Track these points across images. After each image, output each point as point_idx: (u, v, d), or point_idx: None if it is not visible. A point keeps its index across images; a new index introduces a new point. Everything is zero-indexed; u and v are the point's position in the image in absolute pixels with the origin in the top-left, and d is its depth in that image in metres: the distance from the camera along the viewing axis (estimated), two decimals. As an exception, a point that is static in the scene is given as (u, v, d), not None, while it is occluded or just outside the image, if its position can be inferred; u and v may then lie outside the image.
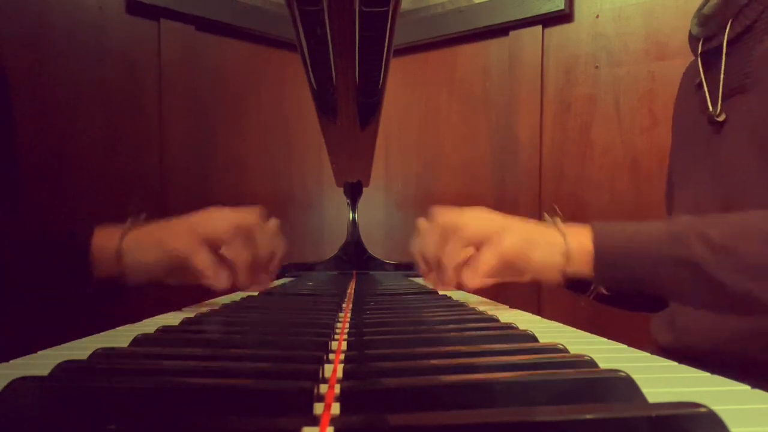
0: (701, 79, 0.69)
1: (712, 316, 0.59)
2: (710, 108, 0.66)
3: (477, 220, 0.58)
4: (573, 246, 0.55)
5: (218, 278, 0.54)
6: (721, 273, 0.49)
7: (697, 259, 0.49)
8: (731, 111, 0.64)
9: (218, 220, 0.57)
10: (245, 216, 0.59)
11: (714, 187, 0.66)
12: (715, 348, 0.59)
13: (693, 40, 0.73)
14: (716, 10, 0.66)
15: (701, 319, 0.61)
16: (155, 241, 0.54)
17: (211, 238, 0.55)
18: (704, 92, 0.68)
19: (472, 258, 0.56)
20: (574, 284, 0.59)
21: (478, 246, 0.57)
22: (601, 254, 0.54)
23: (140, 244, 0.54)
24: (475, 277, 0.55)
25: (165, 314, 0.51)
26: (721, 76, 0.65)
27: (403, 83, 1.40)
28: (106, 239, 0.54)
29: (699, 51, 0.69)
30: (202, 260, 0.53)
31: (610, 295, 0.67)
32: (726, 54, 0.64)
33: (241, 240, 0.57)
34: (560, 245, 0.55)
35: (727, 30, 0.65)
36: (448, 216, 0.60)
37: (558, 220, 0.58)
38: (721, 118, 0.64)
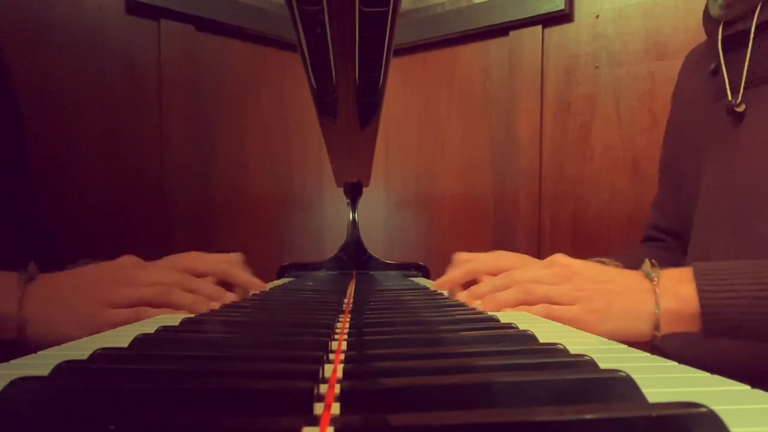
0: (719, 65, 0.64)
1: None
2: (730, 97, 0.62)
3: (547, 279, 0.51)
4: (669, 308, 0.48)
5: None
6: None
7: None
8: (754, 101, 0.60)
9: (136, 285, 0.50)
10: (161, 274, 0.53)
11: (731, 181, 0.62)
12: (725, 356, 0.55)
13: (711, 22, 0.68)
14: None
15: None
16: (70, 317, 0.46)
17: (138, 311, 0.49)
18: (722, 79, 0.63)
19: (524, 307, 0.50)
20: None
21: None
22: (710, 311, 0.47)
23: (50, 314, 0.46)
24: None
25: (165, 314, 0.51)
26: (746, 63, 0.60)
27: (403, 83, 1.40)
28: None
29: (720, 35, 0.65)
30: (126, 321, 0.46)
31: None
32: (753, 40, 0.60)
33: (174, 294, 0.50)
34: (648, 313, 0.48)
35: (756, 13, 0.60)
36: (528, 271, 0.53)
37: (655, 275, 0.50)
38: (741, 109, 0.60)
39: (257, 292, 0.61)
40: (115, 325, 0.46)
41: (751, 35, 0.60)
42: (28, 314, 0.45)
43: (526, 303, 0.50)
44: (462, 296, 0.56)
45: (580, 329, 0.47)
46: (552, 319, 0.47)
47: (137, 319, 0.47)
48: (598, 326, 0.48)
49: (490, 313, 0.47)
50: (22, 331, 0.45)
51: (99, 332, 0.45)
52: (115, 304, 0.49)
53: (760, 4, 0.60)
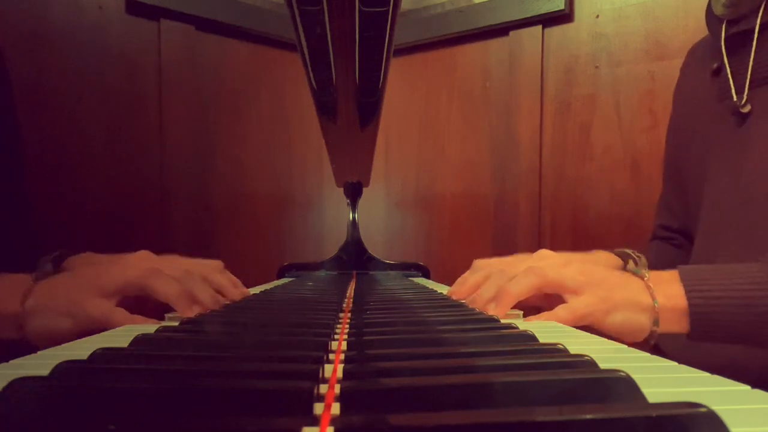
0: (722, 65, 0.64)
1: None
2: (734, 97, 0.61)
3: (553, 267, 0.51)
4: (662, 304, 0.48)
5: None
6: None
7: None
8: (759, 102, 0.59)
9: (129, 267, 0.50)
10: (165, 263, 0.52)
11: (736, 182, 0.61)
12: (727, 361, 0.55)
13: (714, 20, 0.67)
14: None
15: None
16: (64, 309, 0.47)
17: (123, 289, 0.49)
18: (726, 79, 0.63)
19: (543, 314, 0.49)
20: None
21: (548, 295, 0.51)
22: (698, 312, 0.47)
23: (45, 308, 0.47)
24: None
25: (165, 314, 0.51)
26: (750, 63, 0.60)
27: (403, 83, 1.40)
28: (5, 299, 0.46)
29: (723, 34, 0.64)
30: (120, 322, 0.46)
31: None
32: (757, 39, 0.59)
33: (159, 280, 0.49)
34: (647, 306, 0.48)
35: (760, 12, 0.59)
36: (517, 264, 0.54)
37: (644, 271, 0.50)
38: (746, 110, 0.59)
39: (236, 299, 0.59)
40: (102, 314, 0.46)
41: (755, 35, 0.59)
42: (27, 310, 0.46)
43: (541, 287, 0.50)
44: (475, 303, 0.54)
45: (594, 322, 0.48)
46: (574, 318, 0.47)
47: (120, 317, 0.46)
48: (610, 317, 0.48)
49: (490, 314, 0.47)
50: (22, 329, 0.46)
51: (89, 323, 0.46)
52: (104, 291, 0.48)
53: (764, 3, 0.59)
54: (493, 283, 0.52)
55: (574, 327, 0.45)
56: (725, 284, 0.47)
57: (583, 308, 0.48)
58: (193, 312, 0.49)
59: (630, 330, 0.48)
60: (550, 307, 0.50)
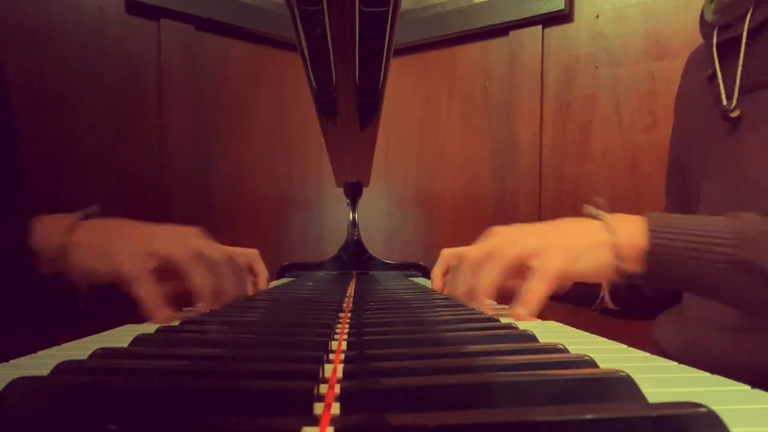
0: (715, 71, 0.64)
1: (725, 329, 0.55)
2: (724, 102, 0.61)
3: (510, 244, 0.51)
4: (623, 241, 0.48)
5: (157, 313, 0.46)
6: None
7: (764, 263, 0.45)
8: (749, 107, 0.60)
9: (180, 243, 0.50)
10: (212, 247, 0.53)
11: (730, 188, 0.62)
12: (727, 360, 0.56)
13: (706, 26, 0.67)
14: None
15: (714, 330, 0.58)
16: (104, 251, 0.47)
17: (166, 260, 0.49)
18: (718, 85, 0.63)
19: (521, 291, 0.49)
20: (579, 297, 0.55)
21: (519, 270, 0.51)
22: (656, 252, 0.48)
23: (89, 245, 0.47)
24: (528, 311, 0.48)
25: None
26: (739, 68, 0.60)
27: (403, 83, 1.40)
28: (50, 232, 0.48)
29: (715, 40, 0.64)
30: (146, 292, 0.46)
31: (617, 309, 0.63)
32: (746, 45, 0.59)
33: (201, 268, 0.50)
34: (608, 243, 0.49)
35: (747, 19, 0.59)
36: (478, 247, 0.54)
37: (603, 213, 0.51)
38: (735, 114, 0.60)
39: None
40: (131, 272, 0.46)
41: (743, 40, 0.60)
42: (69, 243, 0.47)
43: (507, 266, 0.50)
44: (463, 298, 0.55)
45: (565, 274, 0.49)
46: (549, 282, 0.48)
47: (146, 287, 0.46)
48: (576, 265, 0.49)
49: (490, 314, 0.47)
50: (62, 262, 0.47)
51: (115, 275, 0.47)
52: (147, 251, 0.48)
53: (751, 9, 0.59)
54: (461, 279, 0.53)
55: (552, 298, 0.47)
56: (685, 229, 0.48)
57: (551, 267, 0.48)
58: (215, 306, 0.50)
59: (597, 269, 0.49)
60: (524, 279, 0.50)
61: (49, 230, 0.48)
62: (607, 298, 0.69)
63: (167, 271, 0.49)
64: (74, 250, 0.47)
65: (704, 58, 0.68)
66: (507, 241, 0.52)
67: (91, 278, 0.48)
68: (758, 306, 0.48)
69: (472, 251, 0.54)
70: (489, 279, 0.50)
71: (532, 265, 0.50)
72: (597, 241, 0.49)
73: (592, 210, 0.53)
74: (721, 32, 0.64)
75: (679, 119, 0.78)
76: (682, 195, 0.75)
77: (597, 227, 0.50)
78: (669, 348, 0.65)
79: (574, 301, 0.64)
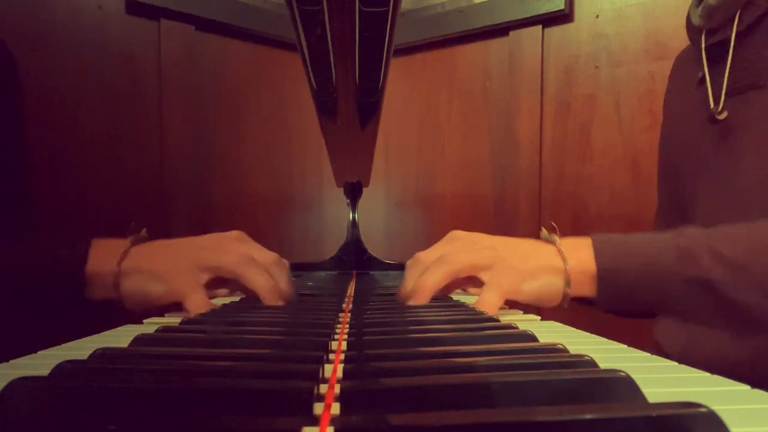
0: (704, 74, 0.64)
1: (726, 330, 0.55)
2: (712, 105, 0.61)
3: (463, 251, 0.52)
4: (573, 267, 0.50)
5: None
6: (736, 291, 0.45)
7: (709, 277, 0.46)
8: (737, 111, 0.60)
9: (228, 251, 0.52)
10: (259, 250, 0.55)
11: (723, 191, 0.62)
12: (726, 363, 0.56)
13: (693, 30, 0.67)
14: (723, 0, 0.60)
15: (714, 333, 0.58)
16: (155, 274, 0.50)
17: (218, 270, 0.51)
18: (707, 89, 0.63)
19: (478, 302, 0.50)
20: (580, 299, 0.56)
21: (466, 279, 0.53)
22: (604, 275, 0.49)
23: (140, 271, 0.50)
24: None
25: (165, 314, 0.51)
26: (726, 71, 0.60)
27: (403, 83, 1.40)
28: (103, 259, 0.50)
29: (703, 44, 0.64)
30: (195, 303, 0.48)
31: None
32: (733, 48, 0.60)
33: (255, 270, 0.51)
34: (559, 269, 0.50)
35: (735, 22, 0.59)
36: (432, 250, 0.56)
37: (556, 237, 0.53)
38: (722, 116, 0.60)
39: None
40: (183, 290, 0.48)
41: (731, 44, 0.60)
42: (123, 270, 0.49)
43: (454, 274, 0.51)
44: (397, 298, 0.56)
45: (512, 294, 0.50)
46: (501, 294, 0.49)
47: (198, 300, 0.48)
48: (526, 285, 0.50)
49: (490, 314, 0.47)
50: (117, 289, 0.49)
51: (171, 295, 0.49)
52: (199, 265, 0.50)
53: (738, 13, 0.59)
54: (410, 277, 0.54)
55: (506, 305, 0.48)
56: (632, 250, 0.49)
57: (503, 283, 0.49)
58: (277, 303, 0.51)
59: (547, 295, 0.50)
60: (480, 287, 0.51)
61: (103, 257, 0.50)
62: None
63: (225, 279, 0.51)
64: (126, 278, 0.49)
65: (691, 60, 0.69)
66: (461, 247, 0.53)
67: (144, 303, 0.50)
68: (711, 319, 0.49)
69: (426, 253, 0.56)
70: (433, 280, 0.51)
71: (482, 278, 0.51)
72: (548, 266, 0.50)
73: (546, 234, 0.54)
74: (708, 36, 0.64)
75: (667, 122, 0.78)
76: (673, 197, 0.75)
77: (550, 252, 0.51)
78: (669, 348, 0.65)
79: (578, 302, 0.64)
